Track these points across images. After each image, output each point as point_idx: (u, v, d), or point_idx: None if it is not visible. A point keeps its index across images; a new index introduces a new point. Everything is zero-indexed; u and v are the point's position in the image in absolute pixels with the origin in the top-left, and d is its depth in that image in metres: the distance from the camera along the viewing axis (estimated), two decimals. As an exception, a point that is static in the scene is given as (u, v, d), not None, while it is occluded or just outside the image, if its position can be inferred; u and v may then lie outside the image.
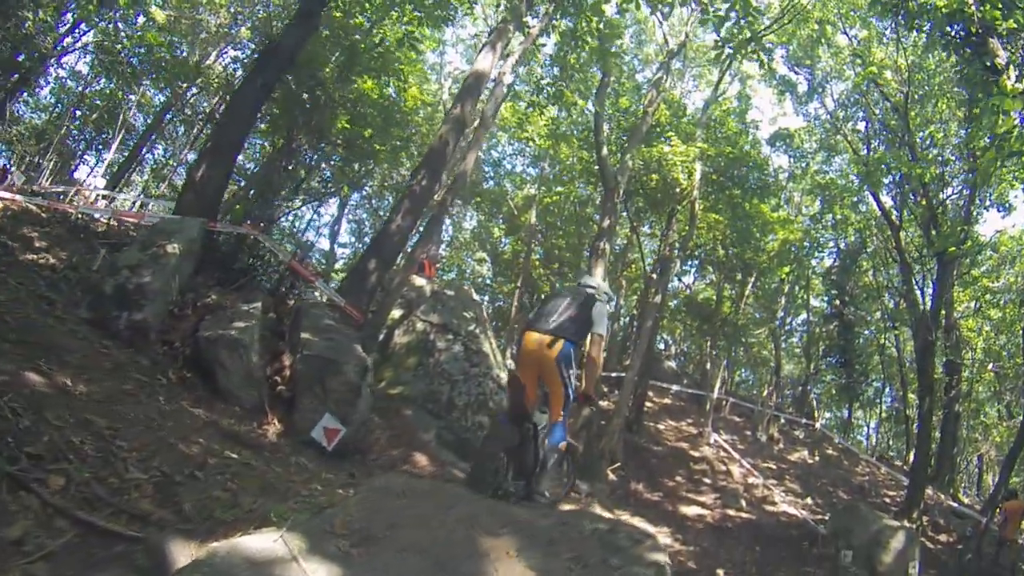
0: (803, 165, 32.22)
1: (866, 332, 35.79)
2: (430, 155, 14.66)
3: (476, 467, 6.72)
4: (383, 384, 12.43)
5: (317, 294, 13.76)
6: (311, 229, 38.14)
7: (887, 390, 40.53)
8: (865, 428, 43.84)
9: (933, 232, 20.73)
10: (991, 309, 29.05)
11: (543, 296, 11.64)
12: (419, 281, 16.07)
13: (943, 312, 23.59)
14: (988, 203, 27.27)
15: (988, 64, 9.38)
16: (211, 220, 11.75)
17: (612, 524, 5.24)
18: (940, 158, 23.70)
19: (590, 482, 13.70)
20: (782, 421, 29.40)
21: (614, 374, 24.14)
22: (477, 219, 37.43)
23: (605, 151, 19.77)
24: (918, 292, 23.13)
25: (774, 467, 21.51)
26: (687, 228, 21.91)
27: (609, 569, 4.22)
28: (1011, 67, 8.18)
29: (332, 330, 10.05)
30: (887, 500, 22.19)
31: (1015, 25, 10.48)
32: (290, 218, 32.60)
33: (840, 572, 10.79)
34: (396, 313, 13.95)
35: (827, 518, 15.68)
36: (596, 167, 20.39)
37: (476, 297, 15.92)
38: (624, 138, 21.87)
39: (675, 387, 27.40)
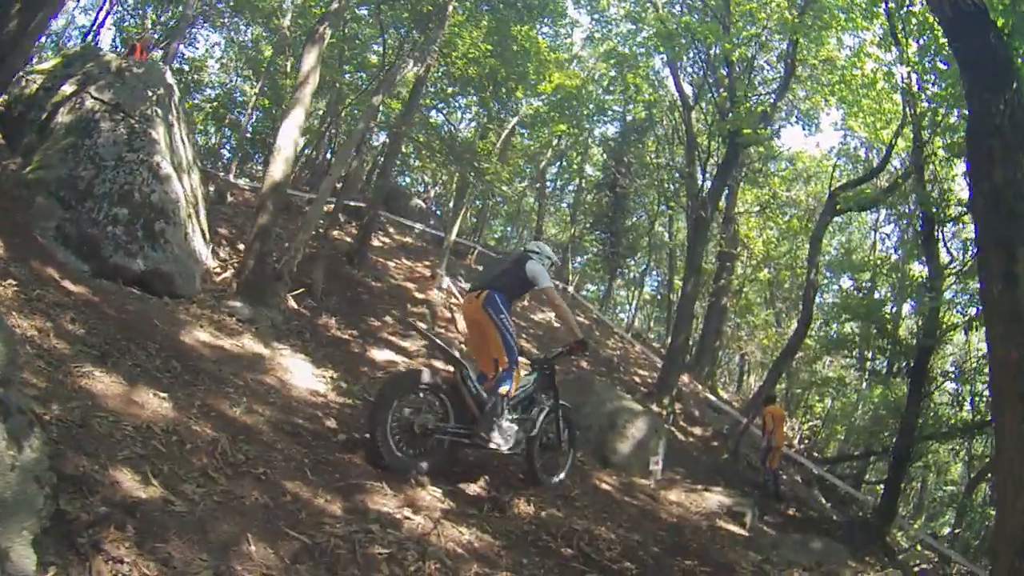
0: (605, 30, 29.84)
1: (639, 212, 34.86)
2: None
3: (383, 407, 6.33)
4: (28, 169, 10.21)
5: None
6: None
7: (653, 273, 40.27)
8: (628, 308, 43.24)
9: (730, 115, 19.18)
10: (777, 216, 28.34)
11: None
12: (109, 56, 13.15)
13: (723, 205, 22.69)
14: (795, 117, 26.43)
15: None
16: None
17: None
18: (755, 43, 21.88)
19: (254, 306, 11.10)
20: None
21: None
22: (251, 35, 32.82)
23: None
24: (700, 174, 21.64)
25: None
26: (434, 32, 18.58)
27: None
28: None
29: None
30: (637, 380, 20.48)
31: None
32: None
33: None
34: (68, 89, 11.44)
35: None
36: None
37: (171, 80, 12.97)
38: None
39: (419, 225, 25.05)
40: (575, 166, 35.61)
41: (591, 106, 29.11)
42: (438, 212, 33.45)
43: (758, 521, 10.27)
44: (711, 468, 14.50)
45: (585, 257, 37.83)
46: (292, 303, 12.73)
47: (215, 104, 32.36)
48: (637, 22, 24.56)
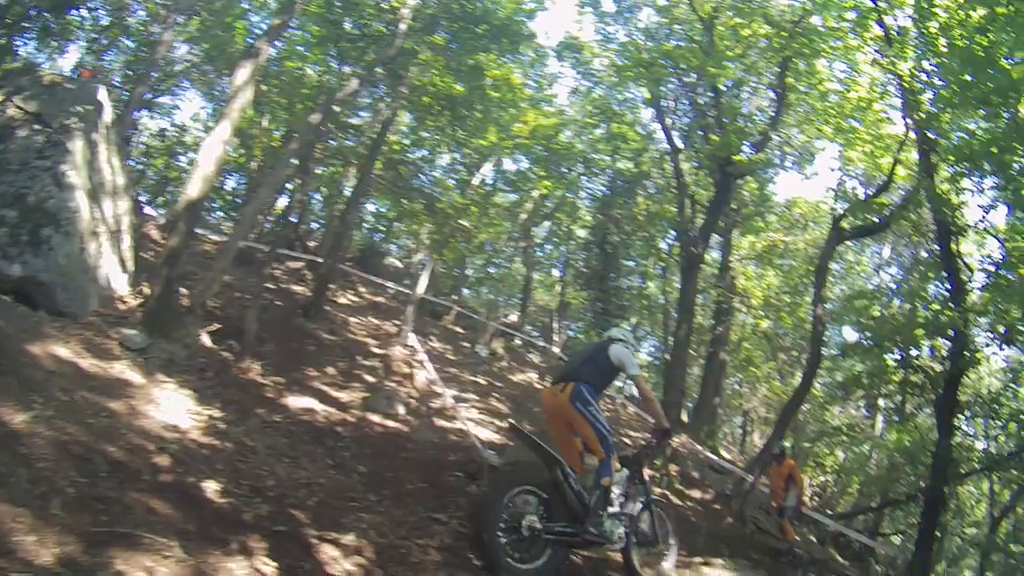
0: (590, 83, 28.69)
1: (632, 276, 33.04)
2: None
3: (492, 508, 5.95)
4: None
5: None
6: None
7: (649, 339, 38.42)
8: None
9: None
10: (776, 262, 26.60)
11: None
12: (44, 72, 12.22)
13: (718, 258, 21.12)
14: (790, 162, 25.31)
15: None
16: None
17: None
18: (742, 69, 20.59)
19: (154, 337, 9.43)
20: (517, 342, 26.20)
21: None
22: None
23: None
24: (690, 210, 20.21)
25: (484, 383, 17.75)
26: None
27: None
28: None
29: None
30: (628, 441, 17.73)
31: None
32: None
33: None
34: (-7, 99, 10.56)
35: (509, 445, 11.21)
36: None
37: (105, 99, 11.74)
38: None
39: (392, 285, 23.45)
40: (563, 230, 34.16)
41: (579, 165, 28.06)
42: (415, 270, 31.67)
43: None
44: (712, 535, 11.92)
45: (579, 325, 35.86)
46: (206, 340, 11.04)
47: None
48: (621, 72, 23.70)
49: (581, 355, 7.25)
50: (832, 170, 34.00)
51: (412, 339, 16.87)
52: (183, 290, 11.84)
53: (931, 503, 13.48)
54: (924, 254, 20.67)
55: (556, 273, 37.41)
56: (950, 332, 13.77)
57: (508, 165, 29.69)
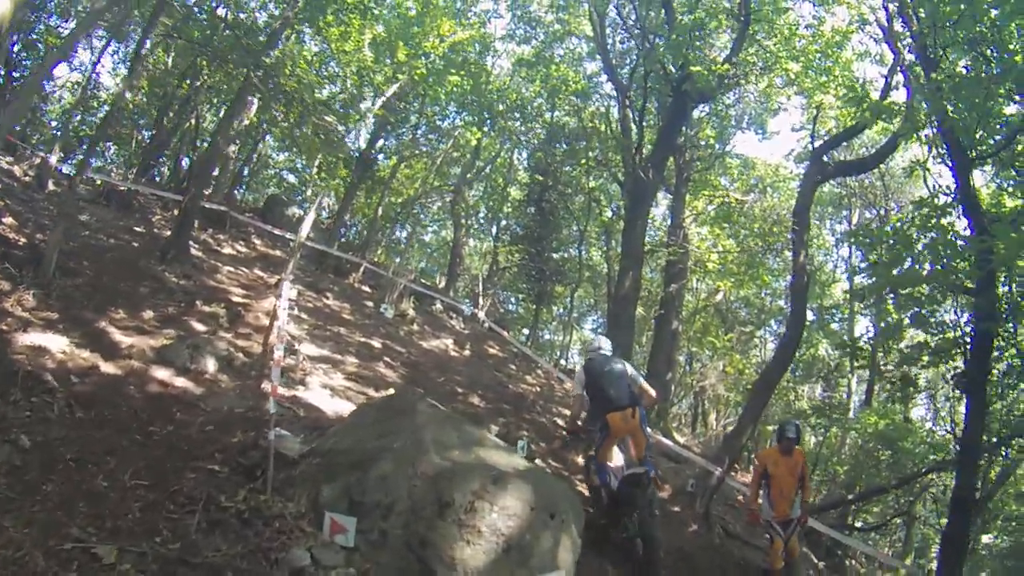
0: (528, 28, 25.79)
1: (567, 246, 29.58)
2: None
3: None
4: None
5: None
6: None
7: (597, 314, 35.78)
8: (559, 352, 36.84)
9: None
10: (736, 219, 23.62)
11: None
12: None
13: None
14: (746, 122, 24.18)
15: None
16: None
17: None
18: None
19: None
20: (438, 307, 23.23)
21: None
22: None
23: None
24: (636, 129, 17.83)
25: (378, 346, 14.96)
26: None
27: None
28: None
29: None
30: (560, 423, 13.86)
31: None
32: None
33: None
34: None
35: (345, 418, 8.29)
36: None
37: None
38: None
39: (291, 235, 20.45)
40: (498, 193, 31.60)
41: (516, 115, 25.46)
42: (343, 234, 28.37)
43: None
44: (676, 555, 8.69)
45: (518, 298, 32.74)
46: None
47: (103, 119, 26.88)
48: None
49: (624, 378, 8.34)
50: (794, 129, 31.43)
51: (285, 288, 14.01)
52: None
53: (960, 499, 10.44)
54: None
55: (492, 241, 34.30)
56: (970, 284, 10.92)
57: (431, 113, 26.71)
